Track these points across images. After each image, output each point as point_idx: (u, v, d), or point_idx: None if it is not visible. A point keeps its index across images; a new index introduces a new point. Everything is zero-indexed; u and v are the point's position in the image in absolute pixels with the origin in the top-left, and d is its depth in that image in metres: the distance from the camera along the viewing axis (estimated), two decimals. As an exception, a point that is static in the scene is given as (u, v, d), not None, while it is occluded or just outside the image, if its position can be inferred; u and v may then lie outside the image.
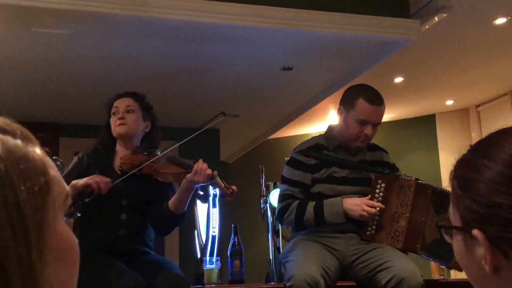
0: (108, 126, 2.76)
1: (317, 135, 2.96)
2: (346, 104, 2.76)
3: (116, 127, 2.69)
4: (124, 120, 2.69)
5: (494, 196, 0.80)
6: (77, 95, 4.78)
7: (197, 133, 2.66)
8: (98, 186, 2.46)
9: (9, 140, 0.62)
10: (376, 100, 2.71)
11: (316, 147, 2.81)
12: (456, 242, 0.87)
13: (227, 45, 3.83)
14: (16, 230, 0.57)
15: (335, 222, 2.64)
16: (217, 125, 6.14)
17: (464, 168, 0.87)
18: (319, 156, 2.76)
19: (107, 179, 2.51)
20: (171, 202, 2.59)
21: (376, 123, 2.73)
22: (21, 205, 0.58)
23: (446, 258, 2.62)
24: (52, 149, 4.95)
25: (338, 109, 2.80)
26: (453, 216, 0.87)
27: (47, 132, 5.59)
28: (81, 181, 2.46)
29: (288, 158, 2.85)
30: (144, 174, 2.60)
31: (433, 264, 3.23)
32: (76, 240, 0.67)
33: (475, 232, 0.80)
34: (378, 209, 2.61)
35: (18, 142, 0.63)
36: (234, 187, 2.56)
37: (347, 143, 2.78)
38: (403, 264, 2.44)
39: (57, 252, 0.63)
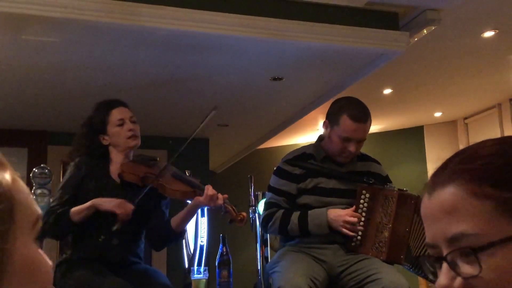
0: (97, 134, 2.69)
1: (307, 144, 2.94)
2: (331, 119, 2.71)
3: (127, 139, 2.64)
4: (135, 132, 2.67)
5: None
6: (65, 103, 4.76)
7: (195, 133, 2.59)
8: (123, 218, 2.45)
9: None
10: (361, 118, 2.64)
11: (303, 157, 2.80)
12: (509, 257, 0.73)
13: (217, 54, 3.83)
14: None
15: (319, 233, 2.63)
16: (207, 134, 6.15)
17: (504, 169, 0.77)
18: (304, 166, 2.75)
19: (130, 206, 2.47)
20: (174, 220, 2.58)
21: (361, 140, 2.69)
22: None
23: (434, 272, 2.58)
24: (40, 157, 4.86)
25: (324, 123, 2.77)
26: (493, 228, 0.74)
27: (35, 140, 5.57)
28: (105, 205, 2.44)
29: (275, 167, 2.85)
30: (148, 185, 2.56)
31: (421, 276, 3.23)
32: (47, 263, 0.67)
33: None
34: (361, 223, 2.61)
35: None
36: (244, 214, 2.56)
37: (332, 156, 2.77)
38: (391, 276, 2.43)
39: (21, 276, 0.62)
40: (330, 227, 2.61)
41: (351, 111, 2.65)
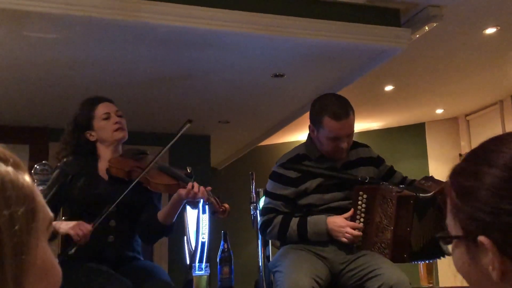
0: (83, 131, 2.66)
1: (299, 144, 2.89)
2: (314, 123, 2.68)
3: (114, 132, 2.63)
4: (122, 125, 2.66)
5: (498, 202, 0.79)
6: (67, 99, 4.75)
7: (169, 144, 2.62)
8: (79, 239, 2.35)
9: (1, 166, 0.64)
10: (343, 114, 2.59)
11: (297, 158, 2.76)
12: (458, 252, 0.86)
13: (218, 51, 3.83)
14: None
15: (318, 240, 2.63)
16: (208, 131, 6.15)
17: (463, 177, 0.85)
18: (300, 168, 2.72)
19: (88, 227, 2.38)
20: (160, 213, 2.56)
21: (350, 134, 2.66)
22: (1, 228, 0.60)
23: (437, 253, 2.65)
24: (41, 153, 4.86)
25: (309, 127, 2.73)
26: (453, 226, 0.85)
27: (37, 137, 5.57)
28: (62, 229, 2.37)
29: (271, 172, 2.83)
30: (133, 181, 2.55)
31: (422, 272, 3.23)
32: (57, 266, 0.69)
33: (482, 239, 0.79)
34: (361, 233, 2.61)
35: (9, 169, 0.65)
36: (226, 205, 2.54)
37: (327, 155, 2.74)
38: (391, 272, 2.43)
39: (38, 276, 0.65)
40: (330, 235, 2.61)
41: (330, 110, 2.60)
